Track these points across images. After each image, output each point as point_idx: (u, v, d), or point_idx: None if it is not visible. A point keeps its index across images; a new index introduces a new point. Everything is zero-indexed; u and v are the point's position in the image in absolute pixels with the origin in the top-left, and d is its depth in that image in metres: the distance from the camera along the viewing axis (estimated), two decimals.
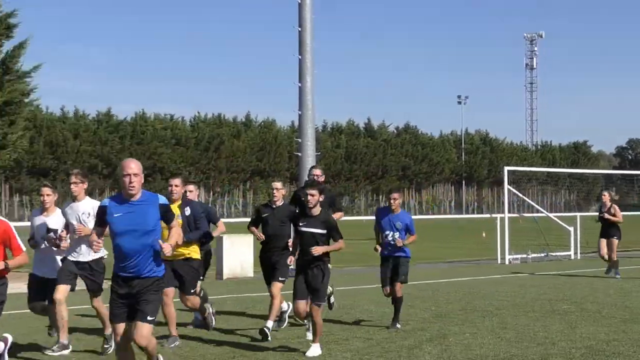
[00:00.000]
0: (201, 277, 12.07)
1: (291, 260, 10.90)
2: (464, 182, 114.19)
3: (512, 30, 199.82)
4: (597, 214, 20.92)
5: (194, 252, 11.27)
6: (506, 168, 28.87)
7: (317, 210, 10.40)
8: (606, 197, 20.38)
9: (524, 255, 27.28)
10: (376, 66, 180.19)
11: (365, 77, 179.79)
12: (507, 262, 26.22)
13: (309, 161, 24.94)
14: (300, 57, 25.09)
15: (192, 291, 11.22)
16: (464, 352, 10.39)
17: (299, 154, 25.19)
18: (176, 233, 8.06)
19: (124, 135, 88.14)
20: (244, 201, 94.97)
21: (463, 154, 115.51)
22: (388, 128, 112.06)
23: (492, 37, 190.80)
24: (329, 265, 10.62)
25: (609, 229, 20.41)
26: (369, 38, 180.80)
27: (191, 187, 12.07)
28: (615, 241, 20.43)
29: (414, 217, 15.99)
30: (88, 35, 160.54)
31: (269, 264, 11.99)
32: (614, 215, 20.23)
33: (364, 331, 12.01)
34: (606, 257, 20.44)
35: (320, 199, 10.44)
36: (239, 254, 21.75)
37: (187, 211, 11.04)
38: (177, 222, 8.19)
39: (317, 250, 10.21)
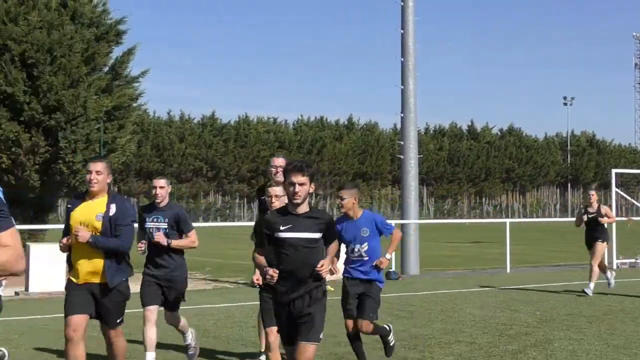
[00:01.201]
0: (184, 298, 9.81)
1: (257, 279, 8.01)
2: (569, 184, 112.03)
3: (620, 29, 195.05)
4: (581, 216, 17.91)
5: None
6: (614, 170, 28.24)
7: (305, 207, 6.93)
8: (594, 196, 17.78)
9: (633, 260, 26.62)
10: (479, 67, 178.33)
11: (468, 78, 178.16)
12: (615, 267, 25.64)
13: (411, 164, 24.90)
14: (402, 59, 25.08)
15: (117, 322, 7.97)
16: (570, 358, 10.21)
17: (401, 156, 25.17)
18: None
19: (227, 139, 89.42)
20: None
21: (569, 156, 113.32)
22: (491, 130, 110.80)
23: (600, 36, 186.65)
24: (327, 287, 7.39)
25: (594, 231, 17.71)
26: (472, 38, 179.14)
27: (162, 182, 9.63)
28: (602, 245, 17.70)
29: (517, 220, 15.79)
30: (193, 39, 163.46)
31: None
32: (605, 216, 17.59)
33: (466, 335, 11.90)
34: (594, 264, 17.62)
35: (311, 190, 7.06)
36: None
37: (112, 209, 7.83)
38: None
39: (324, 268, 6.86)
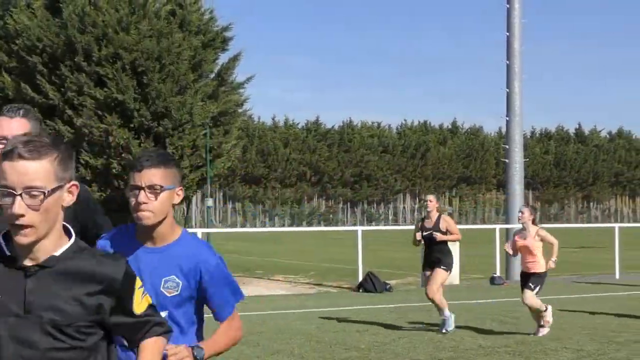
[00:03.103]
0: None
1: None
2: None
3: None
4: (416, 232, 13.19)
5: None
6: None
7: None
8: (432, 203, 12.88)
9: None
10: (586, 68, 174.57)
11: (575, 80, 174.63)
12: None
13: (516, 168, 24.60)
14: (508, 62, 24.81)
15: None
16: None
17: (507, 160, 24.90)
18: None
19: (331, 143, 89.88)
20: (450, 208, 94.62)
21: None
22: (600, 133, 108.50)
23: None
24: None
25: (432, 251, 12.91)
26: (578, 39, 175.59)
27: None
28: (442, 273, 12.73)
29: (627, 225, 15.28)
30: (296, 45, 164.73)
31: None
32: (446, 232, 12.82)
33: (573, 342, 11.71)
34: (433, 296, 12.69)
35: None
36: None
37: None
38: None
39: None
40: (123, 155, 23.54)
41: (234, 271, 27.62)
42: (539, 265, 12.38)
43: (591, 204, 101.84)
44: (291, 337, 12.14)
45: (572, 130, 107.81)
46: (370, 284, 19.71)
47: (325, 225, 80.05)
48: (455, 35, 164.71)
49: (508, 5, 24.74)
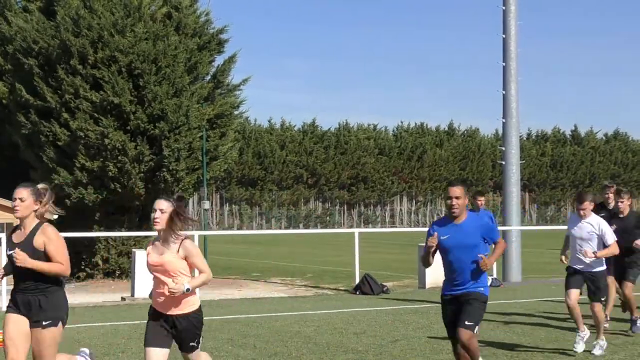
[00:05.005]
0: None
1: None
2: None
3: None
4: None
5: None
6: None
7: None
8: (24, 203, 7.22)
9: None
10: (584, 71, 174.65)
11: (572, 82, 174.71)
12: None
13: (513, 170, 24.59)
14: (504, 64, 24.81)
15: None
16: None
17: (503, 162, 24.89)
18: None
19: (328, 146, 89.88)
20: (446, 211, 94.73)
21: None
22: (596, 135, 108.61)
23: None
24: None
25: (30, 290, 7.38)
26: (576, 42, 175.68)
27: None
28: (52, 332, 7.23)
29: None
30: (293, 47, 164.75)
31: None
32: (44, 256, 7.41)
33: (571, 344, 11.67)
34: None
35: None
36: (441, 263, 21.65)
37: None
38: None
39: None
40: (119, 157, 23.52)
41: (231, 273, 27.66)
42: (186, 303, 7.05)
43: None
44: (288, 339, 12.11)
45: (568, 132, 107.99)
46: (367, 286, 19.68)
47: (322, 228, 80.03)
48: (451, 37, 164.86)
49: (504, 7, 24.74)
